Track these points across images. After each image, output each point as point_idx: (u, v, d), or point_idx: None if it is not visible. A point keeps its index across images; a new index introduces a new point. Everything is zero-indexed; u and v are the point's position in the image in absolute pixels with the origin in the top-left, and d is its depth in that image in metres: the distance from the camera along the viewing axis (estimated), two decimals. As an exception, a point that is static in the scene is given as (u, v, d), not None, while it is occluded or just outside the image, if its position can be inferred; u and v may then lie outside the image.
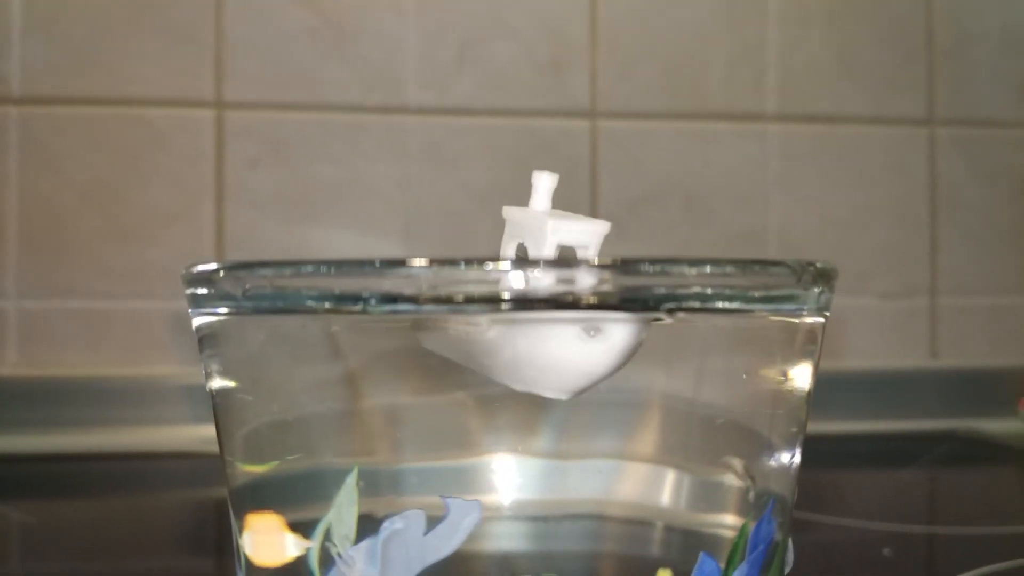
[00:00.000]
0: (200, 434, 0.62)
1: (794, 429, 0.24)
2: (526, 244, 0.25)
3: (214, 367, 0.26)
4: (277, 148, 0.67)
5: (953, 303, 0.75)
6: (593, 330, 0.20)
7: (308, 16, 0.68)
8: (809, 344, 0.24)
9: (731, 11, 0.73)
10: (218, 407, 0.26)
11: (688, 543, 0.22)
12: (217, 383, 0.26)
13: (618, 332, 0.21)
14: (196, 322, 0.26)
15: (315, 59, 0.68)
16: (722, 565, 0.21)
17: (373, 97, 0.69)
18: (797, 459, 0.24)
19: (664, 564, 0.21)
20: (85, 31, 0.66)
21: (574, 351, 0.21)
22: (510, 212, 0.26)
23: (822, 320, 0.24)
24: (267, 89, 0.67)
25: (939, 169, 0.75)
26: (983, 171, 0.76)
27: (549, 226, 0.23)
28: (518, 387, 0.22)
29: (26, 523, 0.49)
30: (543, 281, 0.19)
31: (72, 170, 0.66)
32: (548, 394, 0.22)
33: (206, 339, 0.26)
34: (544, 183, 0.25)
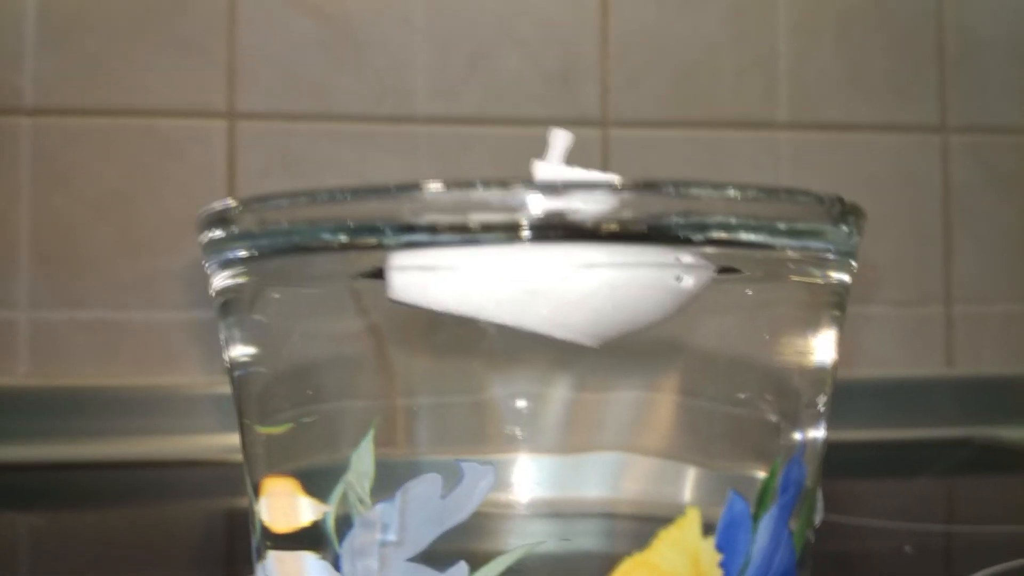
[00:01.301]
0: (213, 443, 0.61)
1: (822, 374, 0.23)
2: None
3: (233, 333, 0.26)
4: (288, 158, 0.68)
5: (968, 311, 0.74)
6: (681, 276, 0.20)
7: (319, 27, 0.68)
8: (836, 291, 0.23)
9: (741, 21, 0.73)
10: (236, 373, 0.26)
11: (718, 483, 0.21)
12: (236, 350, 0.26)
13: (693, 279, 0.20)
14: (216, 285, 0.25)
15: (326, 70, 0.68)
16: (752, 507, 0.20)
17: (383, 107, 0.69)
18: (825, 406, 0.24)
19: (693, 503, 0.20)
20: (98, 43, 0.66)
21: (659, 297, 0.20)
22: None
23: (851, 263, 0.23)
24: (278, 100, 0.68)
25: (952, 176, 0.75)
26: (996, 178, 0.75)
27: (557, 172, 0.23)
28: (558, 333, 0.21)
29: (38, 532, 0.48)
30: (561, 203, 0.19)
31: (84, 181, 0.66)
32: (586, 341, 0.21)
33: (226, 305, 0.26)
34: (560, 140, 0.25)
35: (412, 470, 0.23)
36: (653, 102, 0.72)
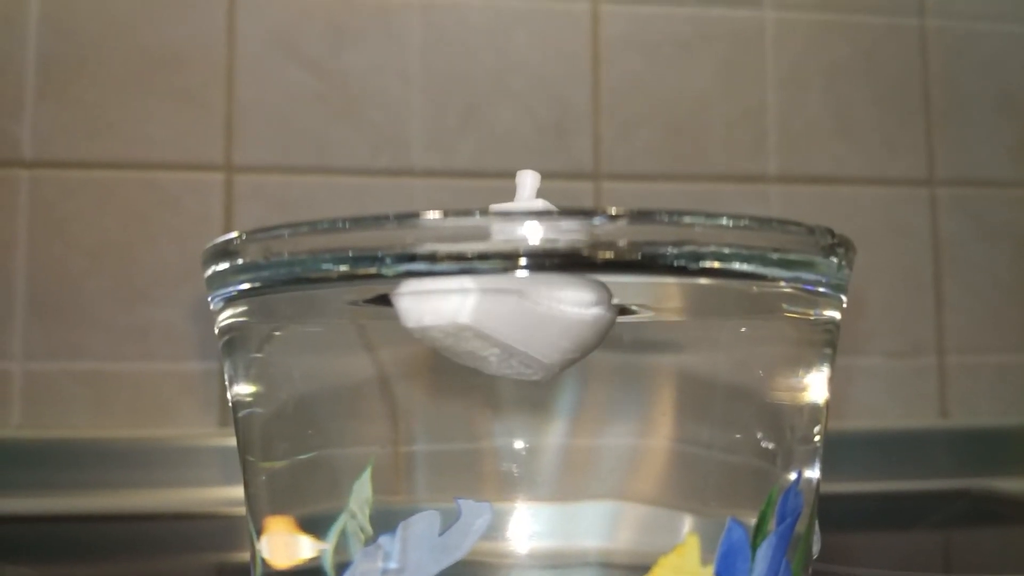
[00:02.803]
0: (208, 496, 0.61)
1: (815, 404, 0.24)
2: None
3: (238, 371, 0.26)
4: (285, 210, 0.68)
5: (961, 361, 0.75)
6: (587, 303, 0.20)
7: (315, 81, 0.69)
8: (828, 324, 0.24)
9: (730, 75, 0.74)
10: (240, 412, 0.26)
11: (717, 510, 0.22)
12: (240, 388, 0.26)
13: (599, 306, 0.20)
14: (220, 323, 0.26)
15: (323, 123, 0.69)
16: (751, 534, 0.21)
17: (380, 160, 0.70)
18: (821, 436, 0.24)
19: (692, 530, 0.21)
20: (97, 95, 0.67)
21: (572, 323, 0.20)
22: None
23: (842, 298, 0.24)
24: (275, 153, 0.68)
25: (941, 228, 0.76)
26: (985, 230, 0.76)
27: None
28: (503, 371, 0.21)
29: (29, 584, 0.48)
30: (557, 232, 0.19)
31: (81, 232, 0.66)
32: (532, 376, 0.21)
33: (230, 343, 0.26)
34: (528, 180, 0.26)
35: (409, 510, 0.23)
36: (644, 154, 0.72)
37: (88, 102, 0.67)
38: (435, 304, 0.19)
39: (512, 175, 0.73)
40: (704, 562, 0.20)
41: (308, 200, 0.68)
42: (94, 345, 0.66)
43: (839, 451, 0.69)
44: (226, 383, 0.26)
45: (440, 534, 0.23)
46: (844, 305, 0.25)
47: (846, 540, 0.59)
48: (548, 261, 0.19)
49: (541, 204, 0.25)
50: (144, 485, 0.63)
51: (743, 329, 0.24)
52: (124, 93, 0.67)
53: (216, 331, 0.26)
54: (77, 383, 0.65)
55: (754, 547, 0.20)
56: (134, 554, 0.56)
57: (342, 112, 0.69)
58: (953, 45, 0.77)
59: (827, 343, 0.25)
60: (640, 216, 0.19)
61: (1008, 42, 0.78)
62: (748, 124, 0.74)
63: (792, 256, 0.21)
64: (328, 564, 0.24)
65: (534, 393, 0.23)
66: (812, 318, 0.24)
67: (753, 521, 0.21)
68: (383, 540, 0.23)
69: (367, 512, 0.23)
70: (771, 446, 0.22)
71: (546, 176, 0.76)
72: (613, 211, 0.19)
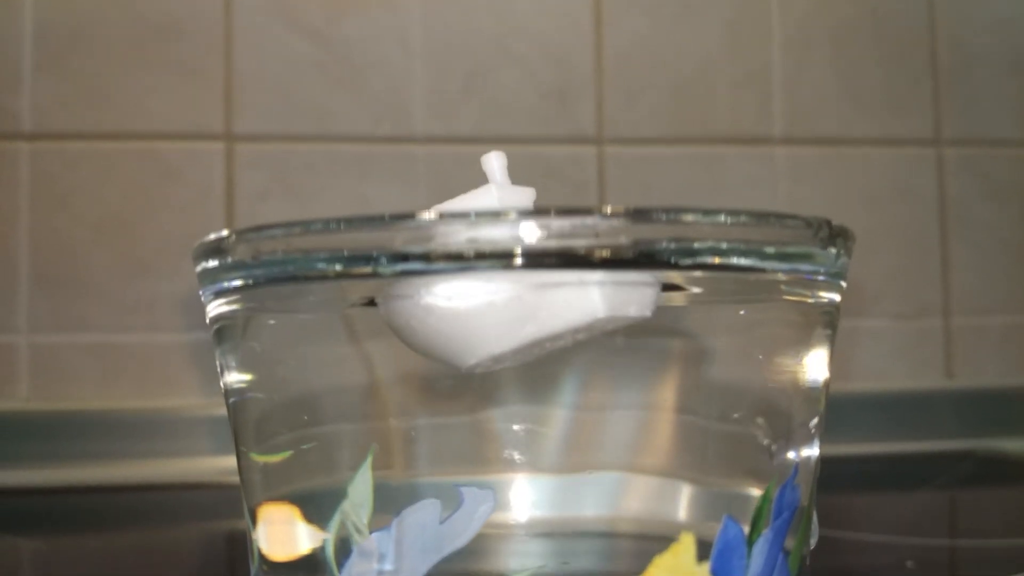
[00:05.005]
0: (214, 465, 0.61)
1: (814, 396, 0.23)
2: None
3: (229, 360, 0.26)
4: (287, 180, 0.68)
5: (967, 323, 0.74)
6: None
7: (315, 50, 0.69)
8: (827, 311, 0.24)
9: (735, 36, 0.73)
10: (232, 400, 0.26)
11: (712, 507, 0.22)
12: (232, 377, 0.26)
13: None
14: (211, 310, 0.25)
15: (323, 92, 0.69)
16: (746, 530, 0.21)
17: (381, 128, 0.69)
18: (818, 429, 0.24)
19: (688, 528, 0.21)
20: (95, 67, 0.67)
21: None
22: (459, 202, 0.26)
23: (840, 284, 0.23)
24: (276, 122, 0.68)
25: (948, 189, 0.75)
26: (992, 190, 0.76)
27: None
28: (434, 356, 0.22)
29: (39, 556, 0.49)
30: (554, 231, 0.19)
31: (83, 205, 0.66)
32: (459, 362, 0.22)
33: (221, 331, 0.26)
34: (495, 162, 0.26)
35: (411, 495, 0.23)
36: (649, 118, 0.72)
37: (87, 73, 0.67)
38: (634, 295, 0.20)
39: (516, 141, 0.73)
40: (699, 560, 0.20)
41: (309, 169, 0.68)
42: (99, 317, 0.66)
43: (844, 413, 0.69)
44: (218, 371, 0.26)
45: (441, 522, 0.23)
46: (844, 289, 0.25)
47: (850, 501, 0.59)
48: (545, 260, 0.19)
49: (525, 192, 0.24)
50: (151, 456, 0.64)
51: (741, 312, 0.24)
52: (123, 64, 0.67)
53: (207, 320, 0.26)
54: (83, 355, 0.65)
55: (750, 543, 0.20)
56: (141, 524, 0.56)
57: (343, 80, 0.69)
58: (961, 4, 0.76)
59: (827, 324, 0.25)
60: (638, 214, 0.19)
61: (1016, 0, 0.77)
62: (753, 86, 0.73)
63: (790, 249, 0.21)
64: (330, 554, 0.24)
65: (536, 374, 0.23)
66: (811, 301, 0.24)
67: (751, 511, 0.22)
68: (378, 537, 0.23)
69: (364, 516, 0.23)
70: (768, 439, 0.22)
71: (549, 142, 0.76)
72: (610, 210, 0.19)
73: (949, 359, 0.74)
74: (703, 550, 0.20)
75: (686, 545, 0.20)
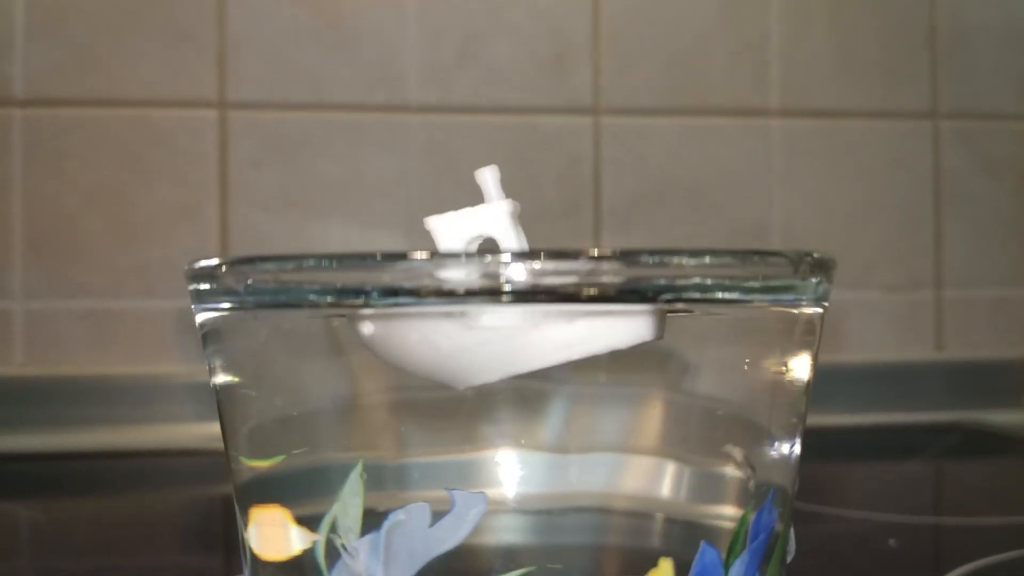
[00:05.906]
0: (206, 431, 0.62)
1: (794, 420, 0.24)
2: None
3: (218, 363, 0.26)
4: (280, 147, 0.68)
5: (958, 295, 0.75)
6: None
7: (309, 16, 0.68)
8: (808, 335, 0.24)
9: (733, 6, 0.73)
10: (222, 403, 0.27)
11: (689, 533, 0.22)
12: (221, 379, 0.26)
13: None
14: (199, 318, 0.26)
15: (317, 59, 0.68)
16: (723, 554, 0.21)
17: (375, 96, 0.69)
18: (797, 449, 0.24)
19: (666, 554, 0.21)
20: (88, 33, 0.66)
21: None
22: (436, 221, 0.26)
23: (821, 311, 0.24)
24: (270, 89, 0.68)
25: (943, 162, 0.75)
26: (987, 164, 0.76)
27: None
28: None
29: (35, 521, 0.49)
30: (543, 272, 0.19)
31: (76, 171, 0.66)
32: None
33: (209, 335, 0.26)
34: (489, 176, 0.26)
35: (401, 498, 0.24)
36: (645, 88, 0.72)
37: (79, 39, 0.66)
38: (621, 324, 0.20)
39: (511, 111, 0.73)
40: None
41: (303, 136, 0.68)
42: (93, 283, 0.66)
43: (835, 384, 0.70)
44: (208, 372, 0.27)
45: (430, 525, 0.24)
46: (826, 307, 0.25)
47: (837, 471, 0.60)
48: (534, 298, 0.20)
49: (508, 204, 0.25)
50: (145, 421, 0.64)
51: (721, 330, 0.24)
52: (115, 30, 0.66)
53: (197, 324, 0.26)
54: (77, 321, 0.66)
55: (727, 567, 0.21)
56: (136, 489, 0.57)
57: (337, 47, 0.68)
58: (960, -24, 0.76)
59: (808, 331, 0.25)
60: (625, 256, 0.19)
61: (1017, -27, 0.77)
62: (750, 56, 0.73)
63: (773, 283, 0.21)
64: (320, 555, 0.25)
65: (523, 399, 0.23)
66: (795, 313, 0.24)
67: (727, 535, 0.22)
68: (367, 540, 0.23)
69: (354, 524, 0.23)
70: (745, 465, 0.22)
71: (544, 111, 0.75)
72: (597, 252, 0.19)
73: (940, 331, 0.75)
74: (681, 574, 0.21)
75: (664, 570, 0.20)
